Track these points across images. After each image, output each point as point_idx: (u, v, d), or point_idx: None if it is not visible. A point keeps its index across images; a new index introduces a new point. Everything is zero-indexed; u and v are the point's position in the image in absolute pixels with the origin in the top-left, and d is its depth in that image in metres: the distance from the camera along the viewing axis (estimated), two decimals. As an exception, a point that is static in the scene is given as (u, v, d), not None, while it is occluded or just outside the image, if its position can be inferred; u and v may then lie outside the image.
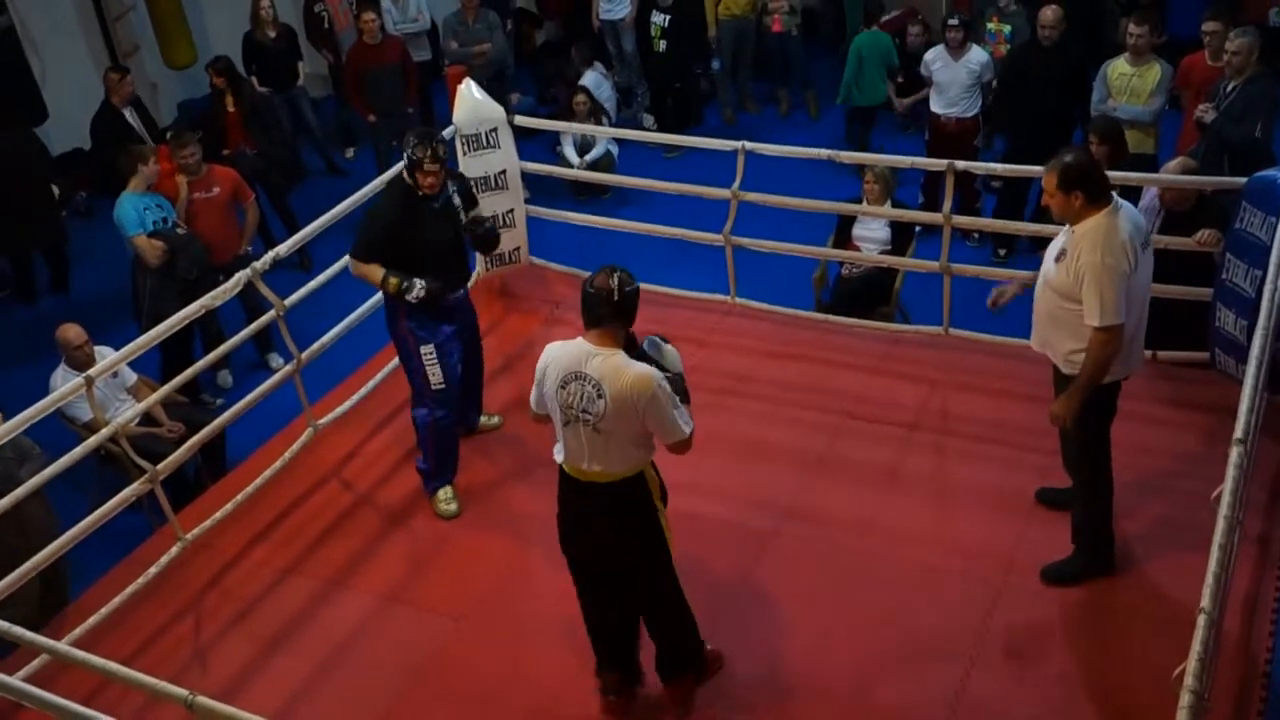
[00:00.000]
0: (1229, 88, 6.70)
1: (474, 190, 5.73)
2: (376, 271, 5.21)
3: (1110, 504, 4.74)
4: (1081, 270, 4.23)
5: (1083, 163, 4.35)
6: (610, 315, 3.94)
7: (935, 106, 8.92)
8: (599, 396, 3.89)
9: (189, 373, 5.71)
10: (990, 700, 4.36)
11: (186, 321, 5.44)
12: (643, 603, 4.30)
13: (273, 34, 9.99)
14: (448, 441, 5.53)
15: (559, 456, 4.14)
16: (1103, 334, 4.23)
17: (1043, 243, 8.03)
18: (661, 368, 4.01)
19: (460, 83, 6.82)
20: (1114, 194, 4.35)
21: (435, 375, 5.34)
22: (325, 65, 11.28)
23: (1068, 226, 4.41)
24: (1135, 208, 4.53)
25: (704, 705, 4.46)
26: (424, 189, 5.19)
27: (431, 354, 5.32)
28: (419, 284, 5.16)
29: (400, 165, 5.32)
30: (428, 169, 5.13)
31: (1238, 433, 3.86)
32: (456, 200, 5.46)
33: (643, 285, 7.16)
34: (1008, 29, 9.45)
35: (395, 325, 5.40)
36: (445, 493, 5.53)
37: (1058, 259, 4.38)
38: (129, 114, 8.80)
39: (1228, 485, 3.69)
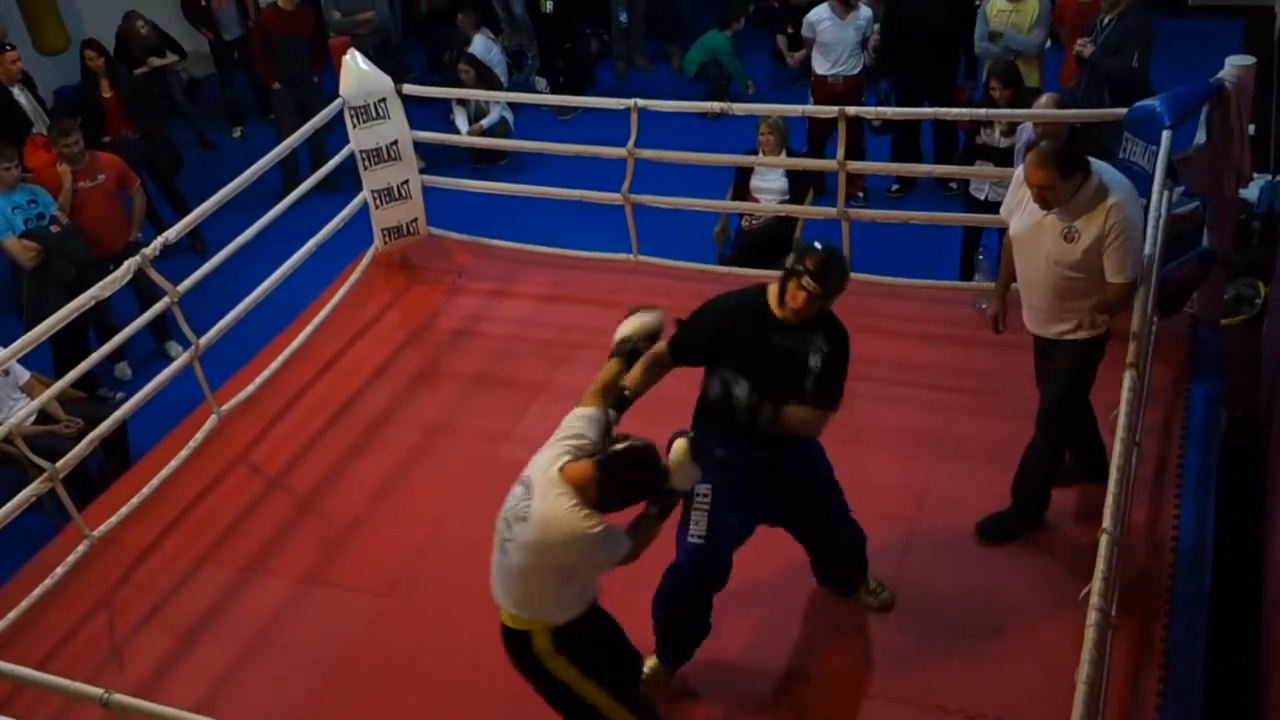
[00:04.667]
0: (1105, 21, 6.86)
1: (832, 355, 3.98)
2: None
3: (1059, 468, 4.81)
4: (1110, 231, 4.15)
5: (1067, 145, 4.38)
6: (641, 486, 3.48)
7: (820, 68, 8.45)
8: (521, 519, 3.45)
9: (83, 366, 5.53)
10: (907, 635, 4.47)
11: (75, 315, 5.26)
12: None
13: (147, 47, 9.62)
14: (685, 617, 4.23)
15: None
16: (1129, 288, 4.22)
17: (943, 182, 8.22)
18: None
19: (344, 54, 6.69)
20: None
21: (699, 524, 4.07)
22: (206, 44, 10.97)
23: (1048, 213, 4.25)
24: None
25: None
26: (785, 313, 3.88)
27: (706, 496, 4.05)
28: (730, 387, 3.89)
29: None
30: (804, 285, 3.79)
31: (1130, 357, 3.99)
32: (814, 361, 3.92)
33: (544, 248, 7.14)
34: None
35: None
36: (653, 666, 4.28)
37: (1067, 238, 4.24)
38: (19, 92, 8.42)
39: (1123, 409, 3.80)
